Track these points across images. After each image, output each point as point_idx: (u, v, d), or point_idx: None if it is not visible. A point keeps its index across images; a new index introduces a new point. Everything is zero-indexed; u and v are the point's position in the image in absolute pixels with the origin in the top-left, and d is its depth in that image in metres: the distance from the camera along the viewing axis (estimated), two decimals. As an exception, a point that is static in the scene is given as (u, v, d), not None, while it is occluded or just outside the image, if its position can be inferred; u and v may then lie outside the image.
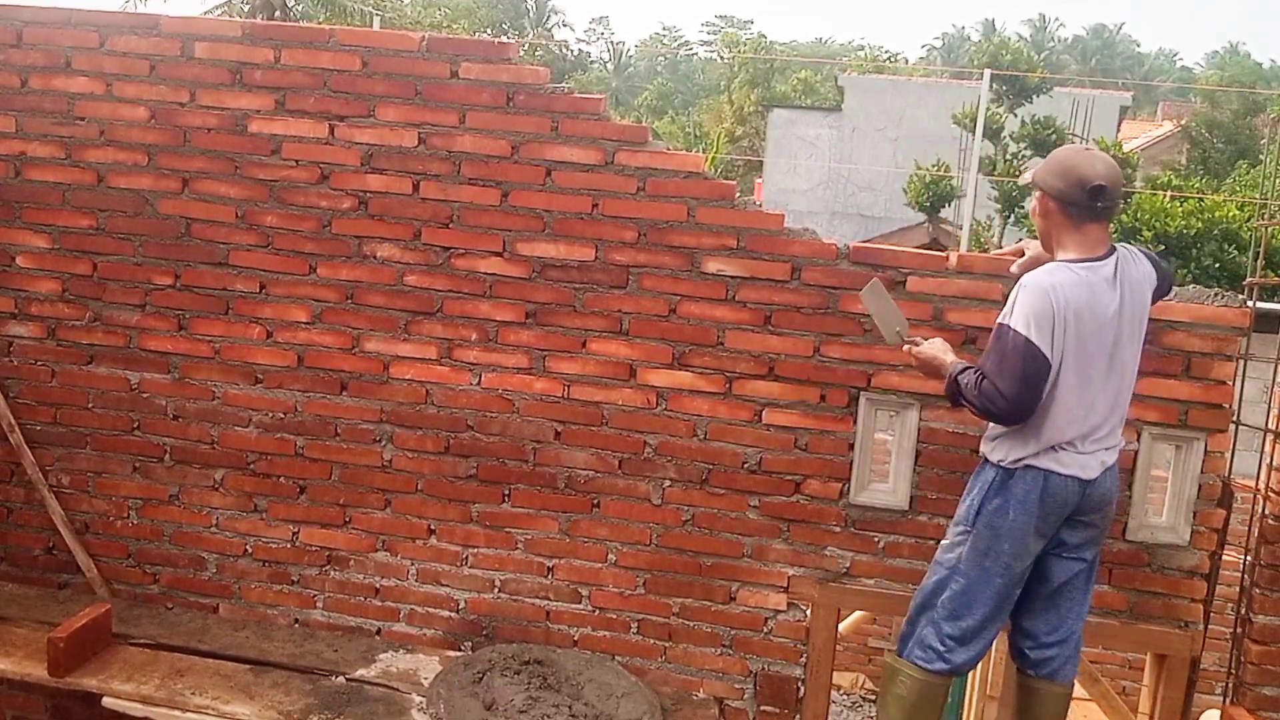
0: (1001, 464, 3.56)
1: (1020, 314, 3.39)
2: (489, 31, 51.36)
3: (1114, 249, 3.52)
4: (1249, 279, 4.50)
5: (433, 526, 4.33)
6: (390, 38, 4.19)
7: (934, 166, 19.94)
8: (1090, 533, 3.63)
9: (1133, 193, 16.41)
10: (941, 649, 3.64)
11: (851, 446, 4.08)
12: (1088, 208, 3.43)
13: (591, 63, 62.83)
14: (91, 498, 4.52)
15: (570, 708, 3.78)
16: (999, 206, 18.35)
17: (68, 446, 4.50)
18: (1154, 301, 3.62)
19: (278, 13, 24.62)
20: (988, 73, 18.95)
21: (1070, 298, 3.40)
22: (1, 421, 4.47)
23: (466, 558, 4.33)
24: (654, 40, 66.91)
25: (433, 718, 3.77)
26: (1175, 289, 3.90)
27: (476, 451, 4.26)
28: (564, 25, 65.66)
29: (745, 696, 4.24)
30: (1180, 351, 3.89)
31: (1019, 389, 3.37)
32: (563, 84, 4.17)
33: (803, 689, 4.20)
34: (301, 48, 4.18)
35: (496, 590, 4.32)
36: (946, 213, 20.09)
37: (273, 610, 4.45)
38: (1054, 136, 18.25)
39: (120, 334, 4.40)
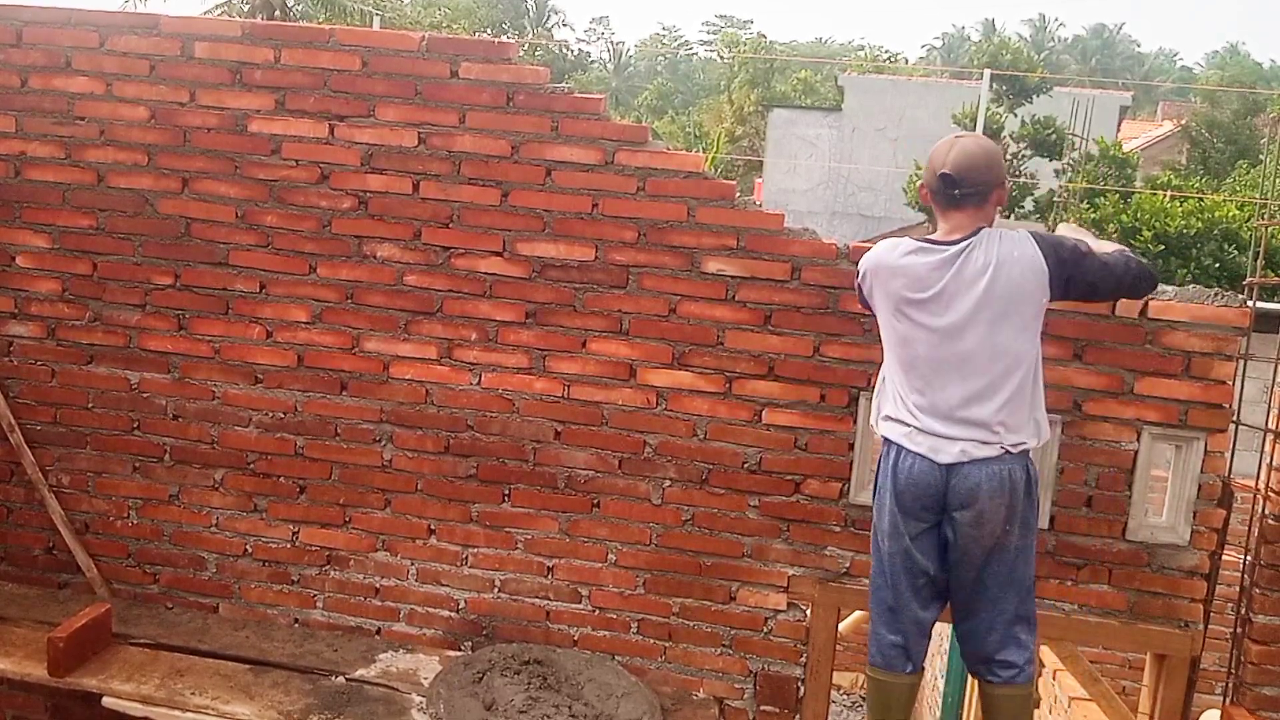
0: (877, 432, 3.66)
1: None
2: (489, 31, 51.33)
3: (977, 232, 3.49)
4: (1249, 279, 4.51)
5: (433, 526, 4.32)
6: (390, 38, 4.18)
7: None
8: (969, 535, 3.47)
9: (1133, 193, 16.38)
10: (874, 643, 3.66)
11: (851, 446, 4.07)
12: (944, 195, 3.50)
13: (591, 63, 62.74)
14: (91, 497, 4.50)
15: (570, 708, 3.77)
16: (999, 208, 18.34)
17: (68, 446, 4.49)
18: (1063, 293, 3.49)
19: (277, 12, 24.61)
20: (987, 73, 18.95)
21: (882, 260, 3.56)
22: (1, 421, 4.47)
23: (466, 557, 4.31)
24: (654, 40, 66.90)
25: (433, 718, 3.76)
26: (1174, 289, 3.88)
27: (476, 451, 4.25)
28: (564, 25, 65.65)
29: (745, 696, 4.22)
30: (1180, 351, 3.86)
31: None
32: (563, 84, 4.16)
33: (803, 689, 4.19)
34: (301, 48, 4.17)
35: (496, 590, 4.31)
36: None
37: (273, 610, 4.44)
38: (1054, 137, 18.24)
39: (120, 334, 4.39)
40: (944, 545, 3.56)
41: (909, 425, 3.51)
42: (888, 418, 3.59)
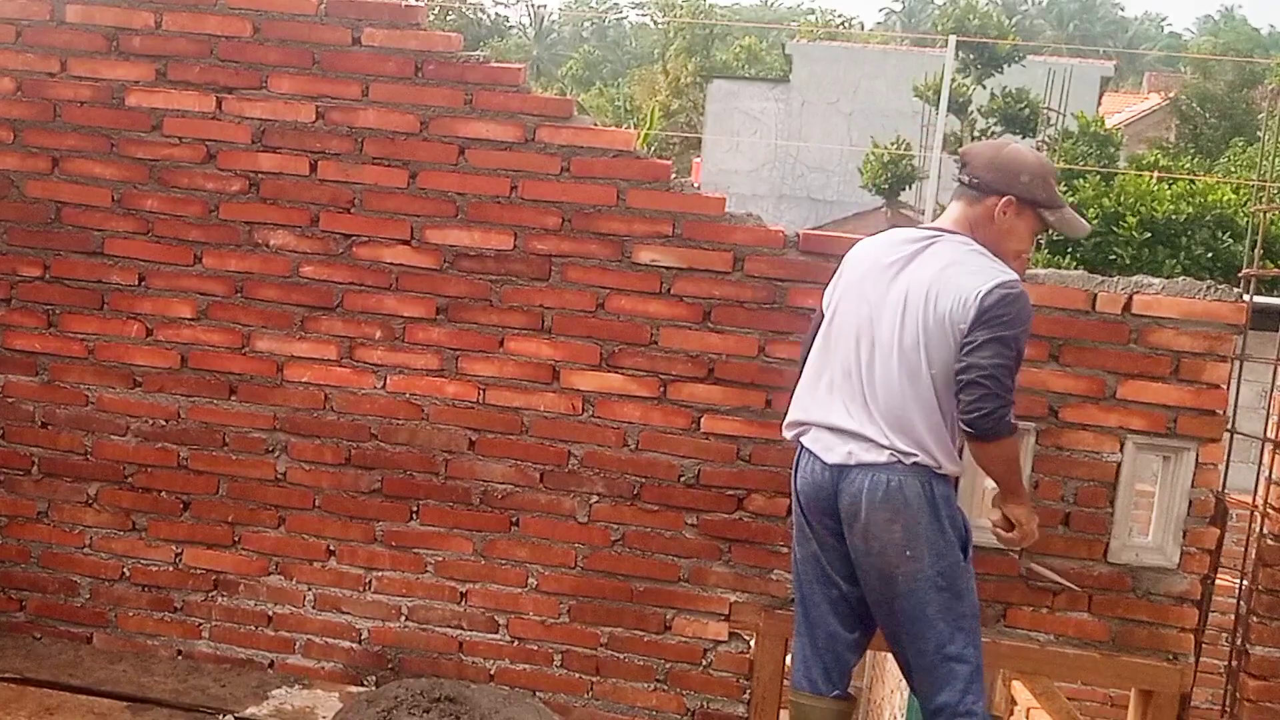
0: None
1: None
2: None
3: (950, 235, 3.33)
4: (1245, 270, 4.42)
5: (332, 547, 4.09)
6: (285, 0, 3.95)
7: (893, 144, 19.39)
8: (859, 551, 3.30)
9: (1116, 173, 15.99)
10: (795, 661, 3.56)
11: None
12: (957, 177, 3.47)
13: (510, 28, 59.61)
14: (-51, 515, 4.26)
15: (482, 752, 3.55)
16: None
17: (-80, 457, 4.24)
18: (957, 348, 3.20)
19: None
20: (953, 40, 18.57)
21: (859, 248, 3.51)
22: None
23: (370, 582, 4.08)
24: (580, 3, 65.06)
25: (324, 764, 3.52)
26: (1162, 282, 3.74)
27: (381, 463, 4.03)
28: (480, -13, 63.56)
29: (682, 737, 4.04)
30: (1168, 351, 3.71)
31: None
32: (477, 52, 4.02)
33: (746, 729, 4.00)
34: (185, 11, 3.97)
35: (403, 618, 4.08)
36: (907, 196, 19.61)
37: (153, 641, 4.20)
38: (1027, 111, 17.89)
39: (-18, 332, 4.17)
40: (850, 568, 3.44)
41: (809, 423, 3.41)
42: (790, 409, 3.51)
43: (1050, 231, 3.50)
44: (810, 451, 3.37)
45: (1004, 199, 3.29)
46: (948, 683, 3.28)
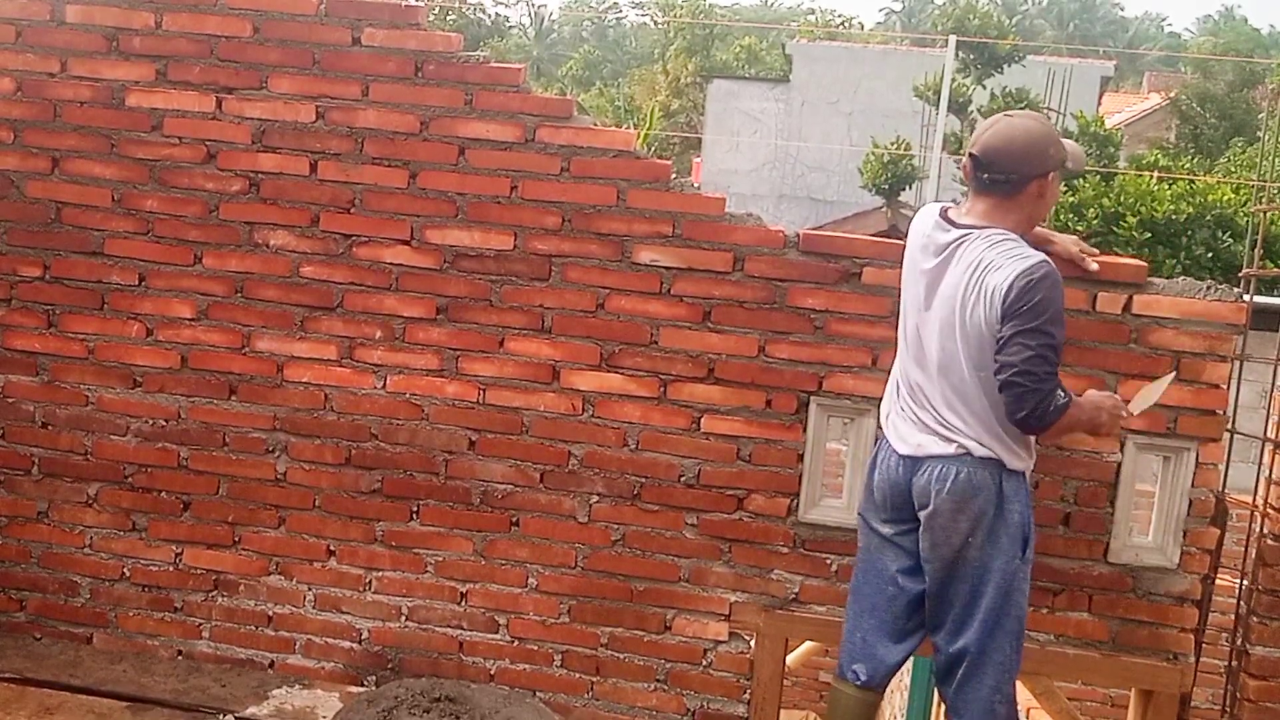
0: None
1: None
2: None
3: (980, 232, 3.29)
4: (1245, 270, 4.39)
5: (332, 547, 4.08)
6: (285, 1, 3.93)
7: (893, 144, 19.17)
8: (927, 542, 3.35)
9: (1116, 173, 15.94)
10: (841, 646, 3.60)
11: (801, 458, 3.88)
12: (974, 176, 3.37)
13: (510, 28, 58.72)
14: (-51, 515, 4.25)
15: (482, 752, 3.55)
16: (965, 189, 17.79)
17: (-79, 457, 4.23)
18: (990, 342, 3.20)
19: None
20: (953, 39, 18.44)
21: (911, 230, 3.49)
22: None
23: (370, 582, 4.07)
24: (580, 3, 64.64)
25: (324, 765, 3.52)
26: (1163, 282, 3.72)
27: (381, 463, 4.02)
28: (480, -13, 62.86)
29: (682, 737, 4.03)
30: (1168, 351, 3.68)
31: None
32: (478, 52, 3.99)
33: (746, 729, 3.98)
34: (186, 11, 3.95)
35: (404, 618, 4.07)
36: (907, 196, 19.40)
37: (153, 641, 4.19)
38: (1027, 111, 17.80)
39: (-18, 332, 4.15)
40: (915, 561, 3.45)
41: (894, 412, 3.47)
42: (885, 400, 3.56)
43: None
44: (887, 441, 3.44)
45: (1044, 178, 3.29)
46: (977, 679, 3.33)
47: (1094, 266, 3.57)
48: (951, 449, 3.29)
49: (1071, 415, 3.21)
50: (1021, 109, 17.23)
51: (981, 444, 3.27)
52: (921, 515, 3.34)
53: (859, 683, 3.48)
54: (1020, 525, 3.32)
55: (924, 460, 3.33)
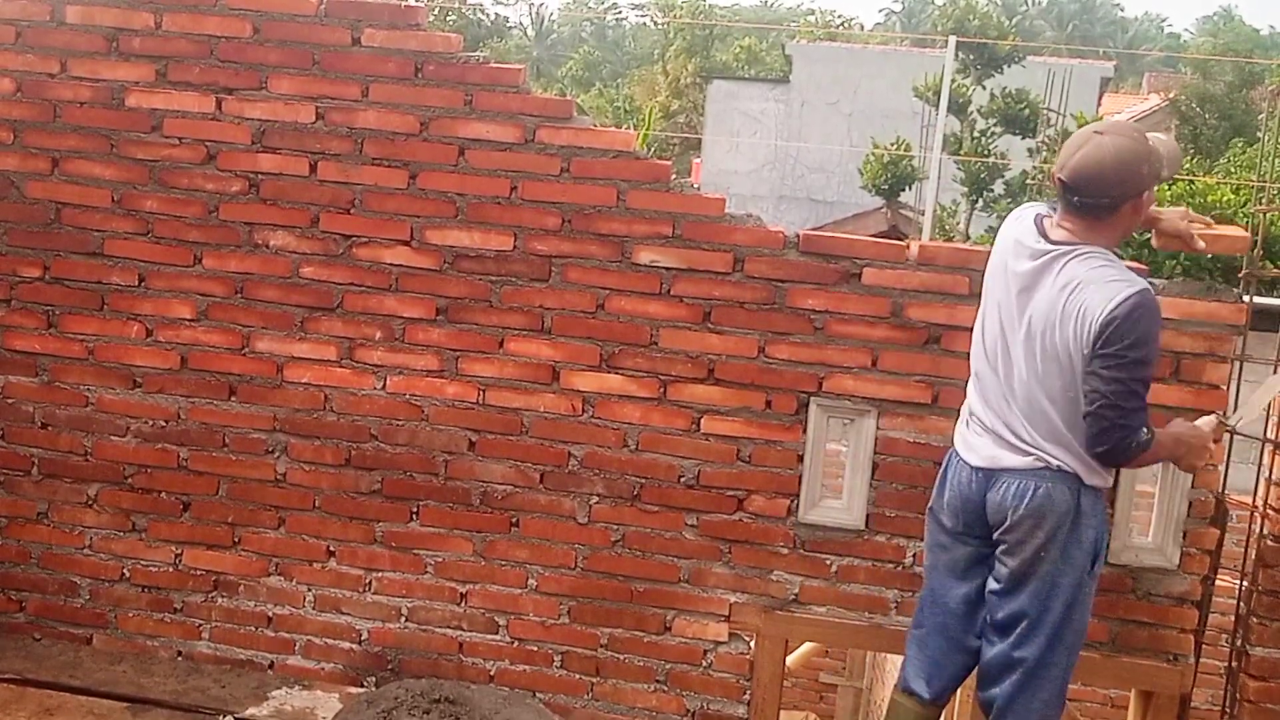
0: None
1: None
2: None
3: (1073, 250, 3.19)
4: (1245, 271, 4.33)
5: (332, 548, 4.07)
6: (285, 1, 3.92)
7: (893, 145, 19.10)
8: (999, 555, 3.32)
9: None
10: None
11: (801, 458, 3.86)
12: (1063, 197, 3.25)
13: (510, 29, 58.37)
14: (-51, 516, 4.24)
15: (481, 753, 3.52)
16: (965, 189, 17.68)
17: (-80, 458, 4.22)
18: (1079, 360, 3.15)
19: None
20: (953, 40, 18.33)
21: (1002, 232, 3.41)
22: None
23: (370, 583, 4.06)
24: (579, 4, 64.17)
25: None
26: (1162, 283, 3.68)
27: (381, 464, 4.01)
28: (480, -13, 62.33)
29: (682, 738, 4.01)
30: (1169, 352, 3.64)
31: None
32: (477, 53, 4.00)
33: (746, 730, 3.97)
34: (185, 12, 3.94)
35: (403, 619, 4.06)
36: (907, 196, 19.34)
37: (153, 641, 4.18)
38: (1027, 111, 17.69)
39: (-18, 332, 4.14)
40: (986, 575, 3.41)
41: (968, 423, 3.41)
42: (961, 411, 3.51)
43: None
44: (957, 453, 3.39)
45: (1139, 199, 3.21)
46: (1030, 690, 3.31)
47: (1201, 245, 3.45)
48: (1029, 461, 3.23)
49: (1152, 454, 3.19)
50: (1022, 109, 17.25)
51: (1058, 459, 3.20)
52: (996, 532, 3.29)
53: (925, 698, 3.46)
54: (1094, 541, 3.27)
55: (999, 474, 3.27)
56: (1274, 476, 3.93)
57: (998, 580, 3.33)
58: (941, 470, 3.47)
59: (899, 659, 3.72)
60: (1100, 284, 3.09)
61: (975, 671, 3.46)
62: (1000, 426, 3.26)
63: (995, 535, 3.30)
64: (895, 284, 3.74)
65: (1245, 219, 13.04)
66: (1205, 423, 3.37)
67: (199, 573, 4.12)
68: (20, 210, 4.03)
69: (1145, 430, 3.11)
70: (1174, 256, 13.46)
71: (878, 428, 3.79)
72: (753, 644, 3.93)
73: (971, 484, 3.32)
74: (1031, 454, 3.22)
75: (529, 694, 3.97)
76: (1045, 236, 3.24)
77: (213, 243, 3.97)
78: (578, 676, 4.00)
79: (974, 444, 3.33)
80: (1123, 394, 3.07)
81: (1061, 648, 3.29)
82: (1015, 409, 3.24)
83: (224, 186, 3.95)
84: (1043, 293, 3.18)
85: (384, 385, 3.96)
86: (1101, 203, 3.18)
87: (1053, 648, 3.28)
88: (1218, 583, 3.87)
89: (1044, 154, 16.64)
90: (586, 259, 3.85)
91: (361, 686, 4.05)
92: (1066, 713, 4.16)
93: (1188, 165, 18.16)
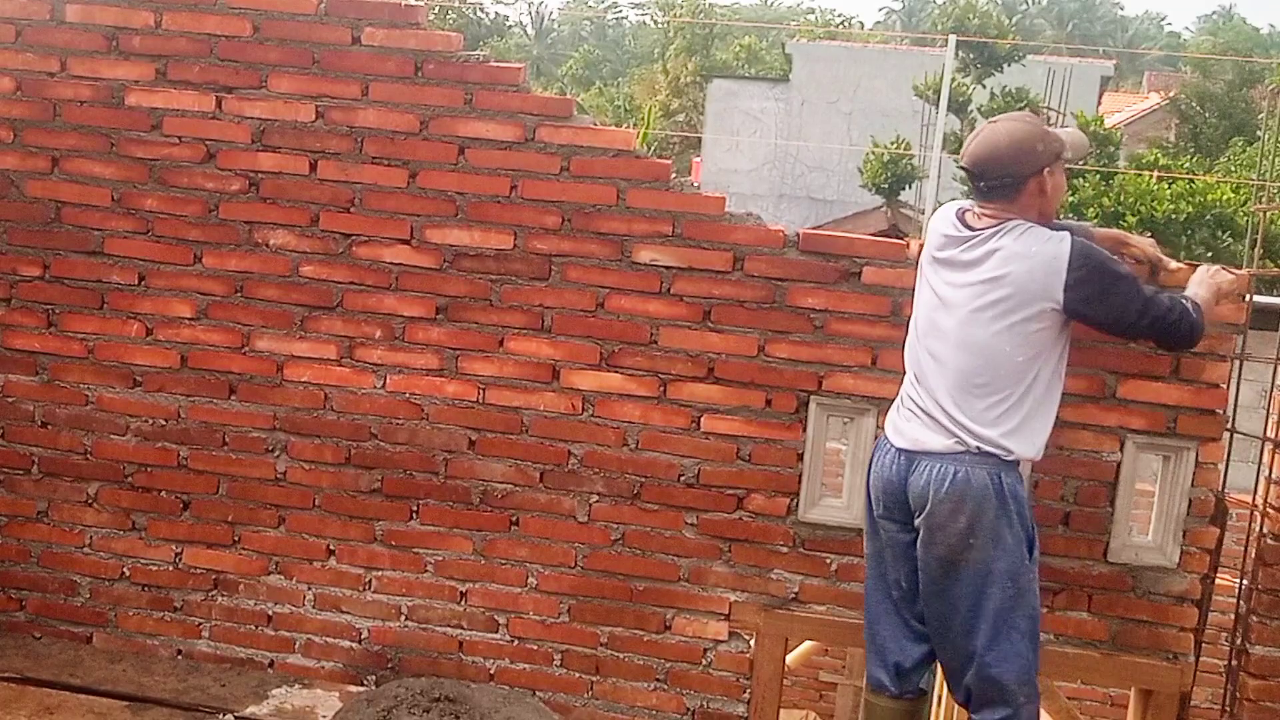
0: None
1: None
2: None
3: (997, 228, 3.33)
4: (1245, 269, 4.26)
5: (332, 547, 4.06)
6: (285, 0, 3.92)
7: (893, 144, 19.03)
8: (922, 542, 3.34)
9: (1115, 173, 15.90)
10: (867, 660, 3.62)
11: (801, 457, 3.86)
12: (973, 186, 3.45)
13: (510, 27, 58.22)
14: (-51, 514, 4.23)
15: (481, 752, 3.52)
16: (965, 189, 17.67)
17: (-80, 457, 4.22)
18: (1079, 312, 3.28)
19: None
20: (953, 39, 18.31)
21: (929, 227, 3.53)
22: None
23: (370, 582, 4.06)
24: (579, 2, 63.96)
25: (322, 765, 3.49)
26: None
27: (381, 463, 4.00)
28: (480, -14, 61.92)
29: (682, 737, 4.00)
30: (1168, 351, 3.63)
31: None
32: (477, 51, 3.98)
33: (746, 729, 3.96)
34: (185, 11, 3.93)
35: (403, 618, 4.06)
36: (907, 195, 19.32)
37: (153, 640, 4.17)
38: (1027, 110, 17.69)
39: (-18, 331, 4.13)
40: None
41: (900, 405, 3.48)
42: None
43: None
44: (886, 437, 3.46)
45: (1040, 175, 3.31)
46: (989, 682, 3.31)
47: (1174, 266, 3.58)
48: (949, 444, 3.28)
49: (1205, 308, 3.35)
50: (1022, 108, 17.21)
51: (979, 439, 3.25)
52: (917, 518, 3.33)
53: (891, 694, 3.48)
54: (1025, 526, 3.31)
55: (919, 457, 3.33)
56: (1274, 475, 3.93)
57: (927, 574, 3.35)
58: (870, 454, 3.55)
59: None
60: (1039, 241, 3.26)
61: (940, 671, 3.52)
62: (932, 405, 3.32)
63: (915, 521, 3.34)
64: (895, 283, 3.73)
65: (1245, 218, 13.04)
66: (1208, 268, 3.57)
67: (199, 571, 4.12)
68: (20, 209, 4.02)
69: (1181, 306, 3.29)
70: (1174, 256, 13.47)
71: (877, 426, 3.77)
72: (753, 643, 3.92)
73: (894, 467, 3.38)
74: (954, 435, 3.27)
75: (529, 692, 3.97)
76: (968, 226, 3.38)
77: (213, 242, 3.96)
78: (578, 675, 3.99)
79: (902, 428, 3.39)
80: (1147, 303, 3.25)
81: (1016, 635, 3.29)
82: (944, 389, 3.31)
83: (224, 185, 3.95)
84: (977, 269, 3.30)
85: (384, 384, 3.96)
86: (1005, 181, 3.31)
87: (1007, 637, 3.28)
88: (1218, 581, 3.87)
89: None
90: (586, 258, 3.85)
91: (361, 685, 4.05)
92: (1067, 712, 4.18)
93: (1188, 163, 18.15)
